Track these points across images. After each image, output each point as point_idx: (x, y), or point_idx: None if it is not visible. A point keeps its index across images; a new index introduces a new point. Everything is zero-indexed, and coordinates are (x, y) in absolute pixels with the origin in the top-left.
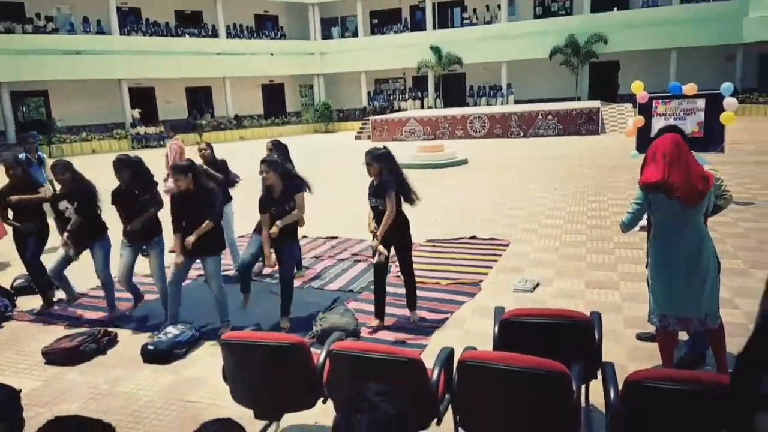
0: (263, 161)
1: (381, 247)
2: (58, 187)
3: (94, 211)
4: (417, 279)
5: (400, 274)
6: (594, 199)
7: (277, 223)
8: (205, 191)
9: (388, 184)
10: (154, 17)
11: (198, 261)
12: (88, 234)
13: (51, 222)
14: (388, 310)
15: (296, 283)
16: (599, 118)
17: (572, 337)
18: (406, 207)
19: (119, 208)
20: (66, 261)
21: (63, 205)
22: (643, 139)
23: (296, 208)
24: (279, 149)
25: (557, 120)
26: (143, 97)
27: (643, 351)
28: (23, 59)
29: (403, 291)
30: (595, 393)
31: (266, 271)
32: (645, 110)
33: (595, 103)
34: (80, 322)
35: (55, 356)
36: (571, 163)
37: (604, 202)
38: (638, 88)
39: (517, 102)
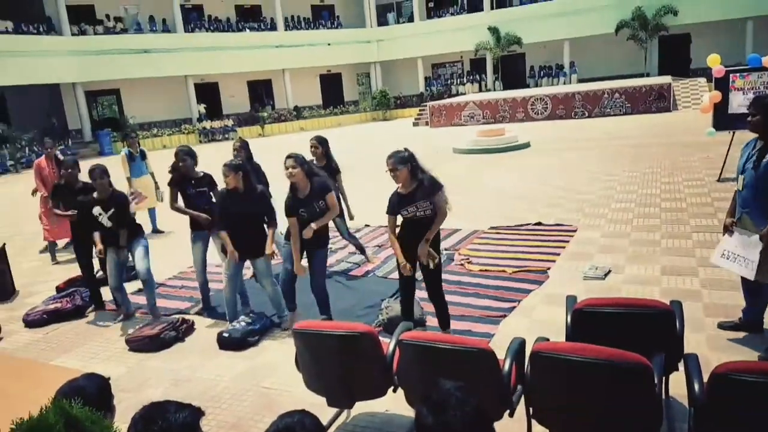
0: (290, 156)
1: (433, 251)
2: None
3: (130, 217)
4: (482, 266)
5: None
6: (668, 181)
7: (312, 225)
8: (253, 191)
9: (435, 182)
10: (215, 13)
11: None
12: (128, 237)
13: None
14: (452, 298)
15: (359, 271)
16: (671, 95)
17: (652, 328)
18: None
19: (180, 193)
20: (121, 267)
21: (97, 210)
22: (721, 115)
23: (328, 209)
24: (322, 144)
25: (625, 98)
26: (208, 92)
27: (726, 341)
28: (96, 59)
29: (461, 279)
30: (676, 385)
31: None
32: (721, 85)
33: (666, 79)
34: (162, 311)
35: (138, 344)
36: (641, 142)
37: (678, 183)
38: (715, 62)
39: (580, 81)
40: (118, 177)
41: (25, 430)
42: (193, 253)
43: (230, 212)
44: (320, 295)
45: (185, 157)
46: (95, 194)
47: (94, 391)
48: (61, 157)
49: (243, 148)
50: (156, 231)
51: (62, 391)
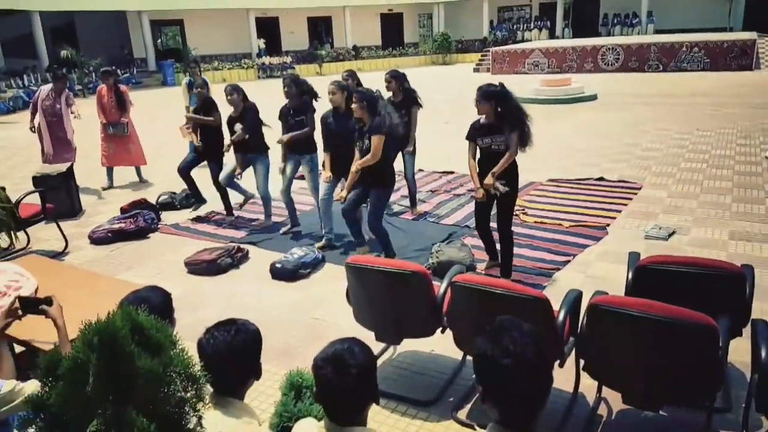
0: (357, 92)
1: (498, 183)
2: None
3: (260, 130)
4: (536, 218)
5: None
6: (744, 143)
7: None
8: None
9: (515, 120)
10: None
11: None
12: (252, 149)
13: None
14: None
15: (410, 216)
16: (754, 52)
17: (720, 290)
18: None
19: (283, 124)
20: (231, 175)
21: (237, 126)
22: None
23: (370, 152)
24: (396, 79)
25: (704, 53)
26: (268, 27)
27: None
28: None
29: (514, 229)
30: (736, 352)
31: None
32: None
33: (751, 35)
34: (218, 238)
35: (196, 267)
36: (718, 101)
37: (755, 146)
38: None
39: (657, 32)
40: (180, 105)
41: (93, 332)
42: (283, 173)
43: (332, 132)
44: (378, 238)
45: (291, 83)
46: (231, 111)
47: (157, 302)
48: (122, 87)
49: (351, 76)
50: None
51: (127, 299)
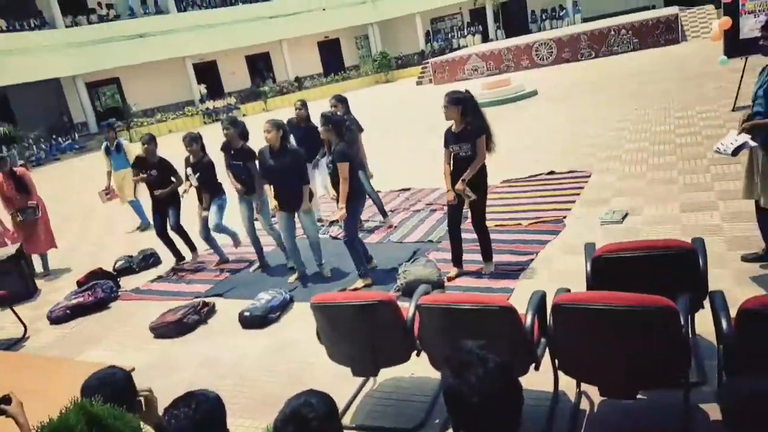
0: (323, 115)
1: (468, 190)
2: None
3: (215, 179)
4: (496, 222)
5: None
6: (681, 115)
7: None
8: (290, 152)
9: (478, 128)
10: None
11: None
12: (211, 193)
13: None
14: (469, 257)
15: (377, 237)
16: (678, 26)
17: (674, 269)
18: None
19: (225, 156)
20: (206, 223)
21: (192, 176)
22: (732, 42)
23: (341, 179)
24: (342, 103)
25: (632, 33)
26: (207, 71)
27: (750, 273)
28: (92, 49)
29: (476, 236)
30: (702, 323)
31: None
32: (731, 10)
33: (673, 10)
34: (182, 295)
35: (162, 330)
36: (652, 78)
37: (693, 117)
38: None
39: (585, 20)
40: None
41: None
42: (240, 212)
43: (269, 167)
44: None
45: (228, 126)
46: (191, 159)
47: (116, 385)
48: (19, 171)
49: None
50: (147, 224)
51: (85, 386)
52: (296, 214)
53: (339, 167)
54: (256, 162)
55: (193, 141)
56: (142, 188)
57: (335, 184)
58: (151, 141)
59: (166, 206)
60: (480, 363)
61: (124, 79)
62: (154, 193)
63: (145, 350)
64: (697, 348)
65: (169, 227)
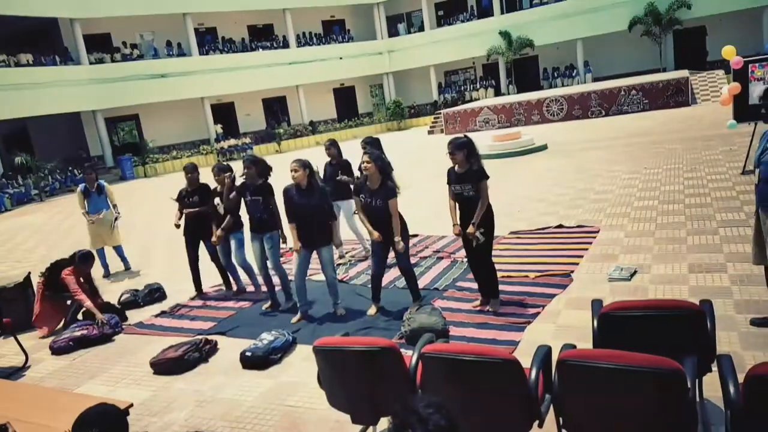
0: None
1: (478, 233)
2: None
3: (237, 211)
4: (503, 274)
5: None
6: (690, 176)
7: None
8: (317, 189)
9: (481, 170)
10: (229, 35)
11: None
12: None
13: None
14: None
15: (383, 282)
16: (689, 89)
17: (682, 329)
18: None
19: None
20: (226, 250)
21: (216, 200)
22: (741, 106)
23: (392, 215)
24: (373, 145)
25: (642, 94)
26: (224, 112)
27: (759, 338)
28: (114, 86)
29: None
30: (710, 387)
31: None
32: (740, 76)
33: (683, 73)
34: (185, 332)
35: (162, 366)
36: (661, 138)
37: (701, 178)
38: (730, 54)
39: (596, 80)
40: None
41: None
42: (253, 251)
43: (295, 205)
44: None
45: (250, 165)
46: (218, 188)
47: (107, 425)
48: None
49: (333, 145)
50: (128, 269)
51: (77, 422)
52: (318, 252)
53: (390, 204)
54: (274, 197)
55: (221, 171)
56: (124, 232)
57: (377, 220)
58: (194, 170)
59: (201, 239)
60: (420, 424)
61: (143, 116)
62: (190, 216)
63: (144, 386)
64: (705, 412)
65: (210, 259)
